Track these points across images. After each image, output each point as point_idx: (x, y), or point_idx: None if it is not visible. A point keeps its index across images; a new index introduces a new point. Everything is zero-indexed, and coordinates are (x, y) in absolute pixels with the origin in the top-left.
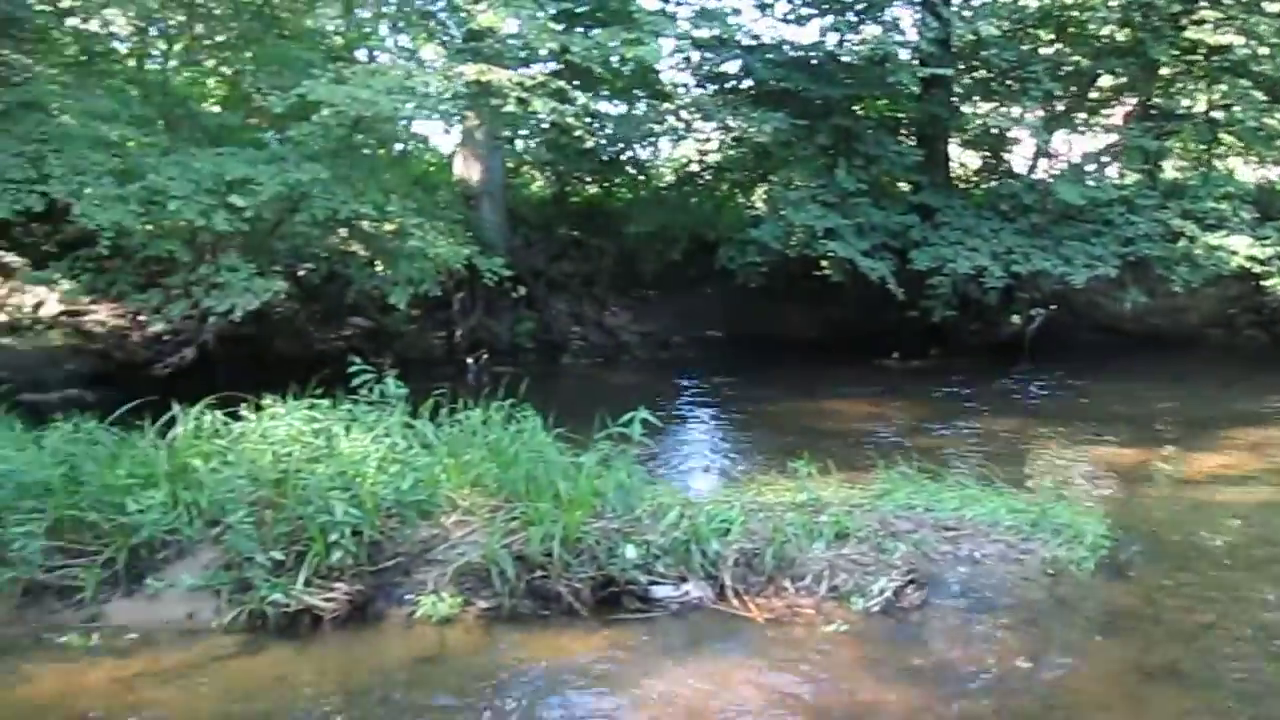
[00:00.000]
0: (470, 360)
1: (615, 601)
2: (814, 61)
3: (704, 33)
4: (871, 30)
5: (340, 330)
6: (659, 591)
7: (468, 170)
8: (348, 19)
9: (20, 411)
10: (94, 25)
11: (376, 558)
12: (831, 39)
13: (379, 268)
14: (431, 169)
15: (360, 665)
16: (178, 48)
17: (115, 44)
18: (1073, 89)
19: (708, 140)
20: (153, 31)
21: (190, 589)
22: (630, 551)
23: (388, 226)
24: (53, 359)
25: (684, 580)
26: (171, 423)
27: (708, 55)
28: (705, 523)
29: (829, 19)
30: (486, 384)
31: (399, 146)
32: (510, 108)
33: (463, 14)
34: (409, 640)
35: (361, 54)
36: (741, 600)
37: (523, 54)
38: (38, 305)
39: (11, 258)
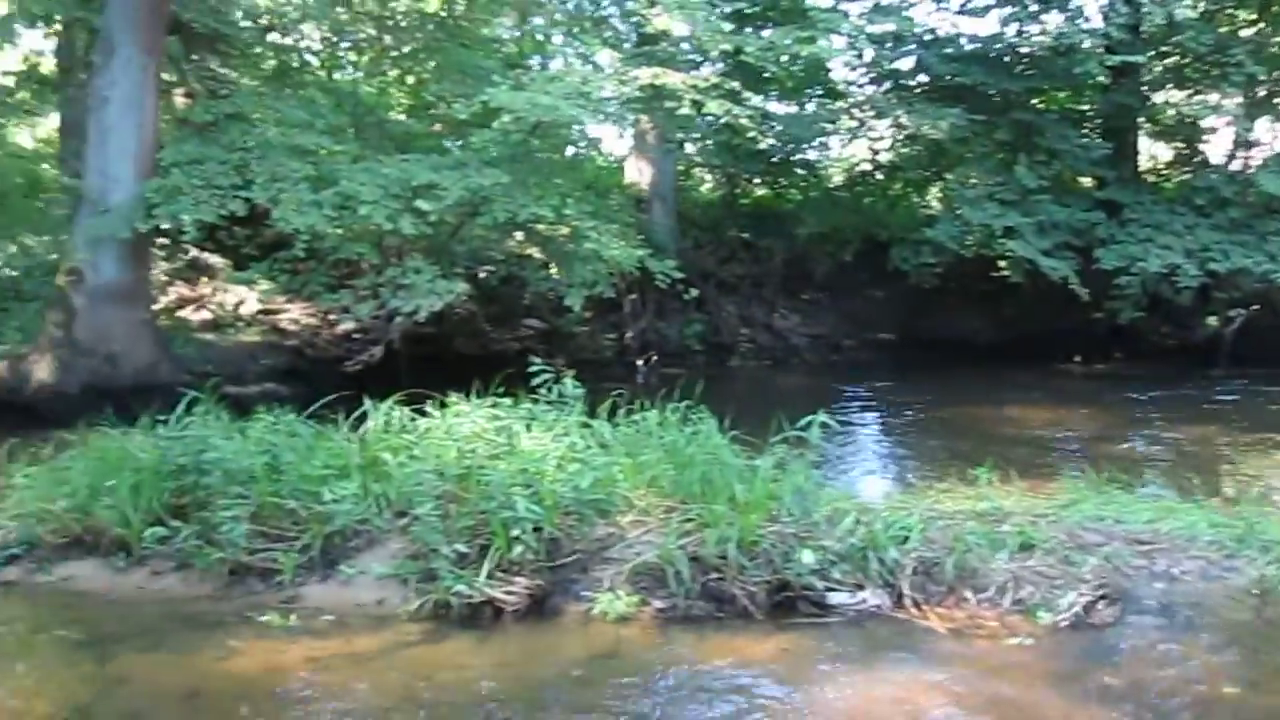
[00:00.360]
0: (640, 362)
1: (790, 606)
2: (992, 54)
3: (878, 28)
4: (1054, 19)
5: (516, 331)
6: (835, 598)
7: (639, 173)
8: (523, 27)
9: (224, 403)
10: (290, 40)
11: (555, 554)
12: (1011, 30)
13: (553, 270)
14: (603, 172)
15: (539, 658)
16: (366, 59)
17: (309, 57)
18: (1276, 73)
19: (880, 138)
20: (344, 44)
21: (380, 576)
22: (807, 556)
23: (563, 230)
24: (251, 354)
25: (860, 587)
26: (362, 418)
27: (881, 51)
28: (883, 530)
29: (1008, 9)
30: (656, 385)
31: (571, 150)
32: (684, 110)
33: (636, 18)
34: (586, 636)
35: (533, 60)
36: (920, 610)
37: (695, 56)
38: (238, 304)
39: (215, 259)
